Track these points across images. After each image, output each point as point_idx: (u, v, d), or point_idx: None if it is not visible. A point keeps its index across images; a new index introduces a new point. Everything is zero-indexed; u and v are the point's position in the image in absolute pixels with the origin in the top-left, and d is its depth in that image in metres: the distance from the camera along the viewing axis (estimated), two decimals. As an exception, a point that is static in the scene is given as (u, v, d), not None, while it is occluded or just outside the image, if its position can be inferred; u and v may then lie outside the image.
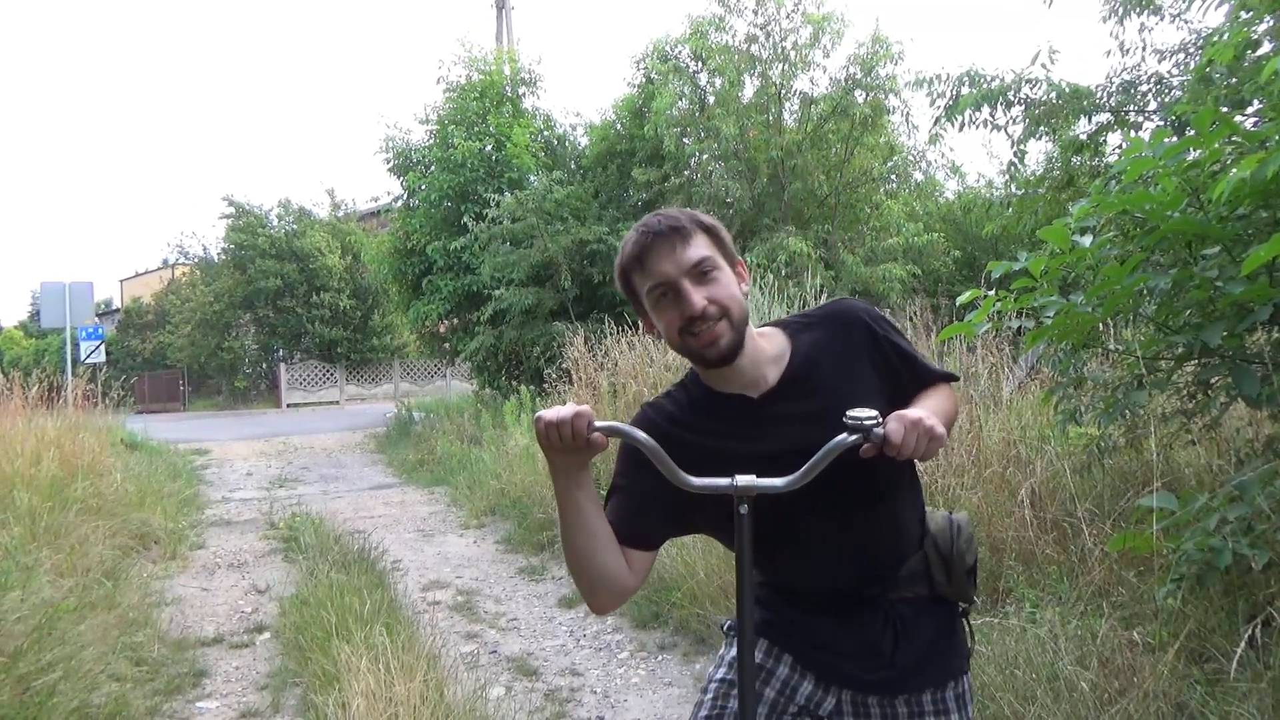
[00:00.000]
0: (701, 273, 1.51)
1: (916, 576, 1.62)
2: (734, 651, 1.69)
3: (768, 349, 1.61)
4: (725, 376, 1.59)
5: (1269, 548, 2.52)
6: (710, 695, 1.67)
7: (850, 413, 1.40)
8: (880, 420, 1.38)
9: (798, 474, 1.43)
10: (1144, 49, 5.93)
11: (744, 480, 1.43)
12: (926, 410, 1.43)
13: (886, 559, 1.61)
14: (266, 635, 4.96)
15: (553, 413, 1.40)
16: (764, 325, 1.66)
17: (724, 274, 1.53)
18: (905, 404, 1.55)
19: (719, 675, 1.69)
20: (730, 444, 1.57)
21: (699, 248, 1.52)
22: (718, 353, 1.52)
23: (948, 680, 1.63)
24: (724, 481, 1.44)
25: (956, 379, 1.73)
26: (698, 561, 4.66)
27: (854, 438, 1.39)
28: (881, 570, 1.61)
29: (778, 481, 1.44)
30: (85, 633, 4.10)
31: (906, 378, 1.63)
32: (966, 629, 1.70)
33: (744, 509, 1.44)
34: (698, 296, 1.49)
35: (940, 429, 1.38)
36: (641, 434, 1.47)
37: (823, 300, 7.65)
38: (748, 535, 1.45)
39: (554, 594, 5.70)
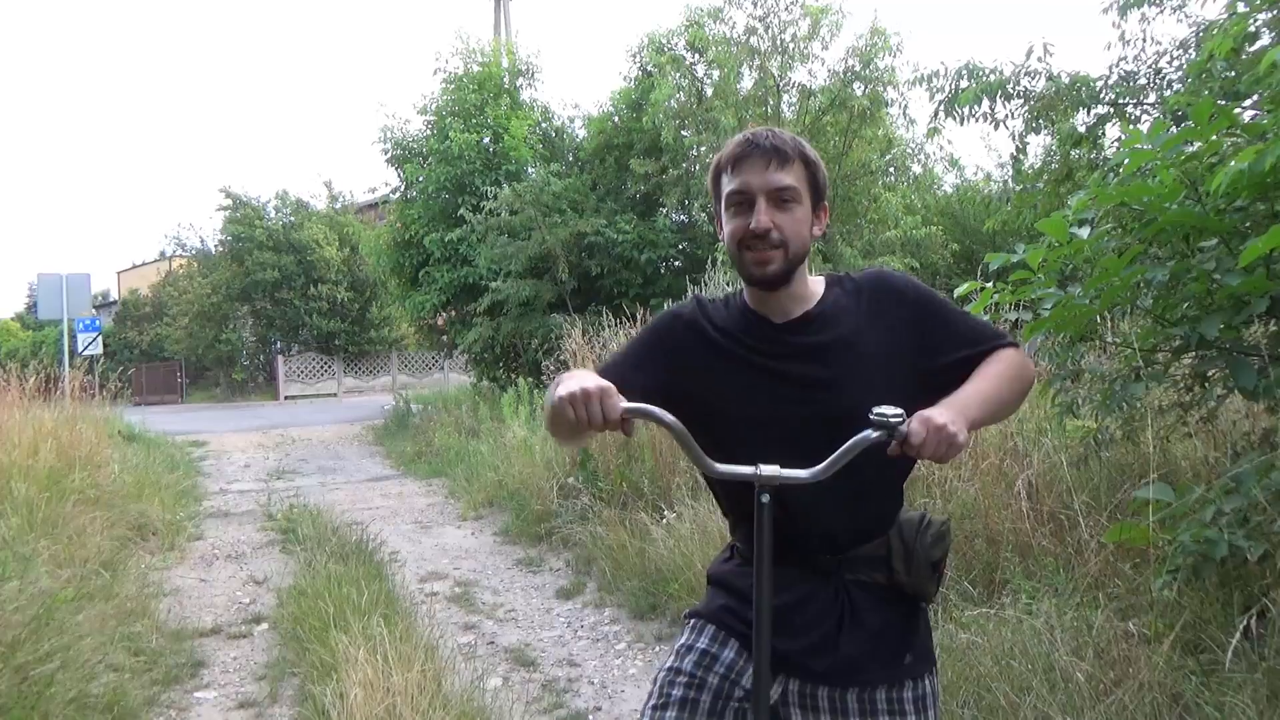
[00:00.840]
0: (782, 199, 1.56)
1: (875, 561, 1.61)
2: (684, 639, 1.71)
3: (809, 290, 1.68)
4: (763, 299, 1.66)
5: (1264, 539, 2.53)
6: (658, 685, 1.67)
7: (876, 410, 1.41)
8: (905, 418, 1.40)
9: (821, 466, 1.45)
10: (1144, 41, 5.93)
11: (768, 470, 1.45)
12: (959, 406, 1.45)
13: (859, 517, 1.60)
14: (264, 626, 4.97)
15: (575, 384, 1.40)
16: (814, 276, 1.73)
17: (801, 209, 1.59)
18: (942, 380, 1.56)
19: (669, 664, 1.69)
20: (742, 351, 1.65)
21: (789, 176, 1.57)
22: (762, 275, 1.59)
23: (904, 680, 1.60)
24: (747, 470, 1.46)
25: (1014, 343, 1.67)
26: (695, 553, 4.67)
27: (878, 434, 1.41)
28: (852, 528, 1.60)
29: (802, 473, 1.46)
30: (83, 623, 4.10)
31: (942, 342, 1.62)
32: (930, 633, 1.69)
33: (765, 498, 1.46)
34: (766, 217, 1.55)
35: (962, 437, 1.39)
36: (669, 416, 1.48)
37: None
38: (768, 524, 1.46)
39: (552, 585, 5.71)
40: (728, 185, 1.60)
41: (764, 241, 1.56)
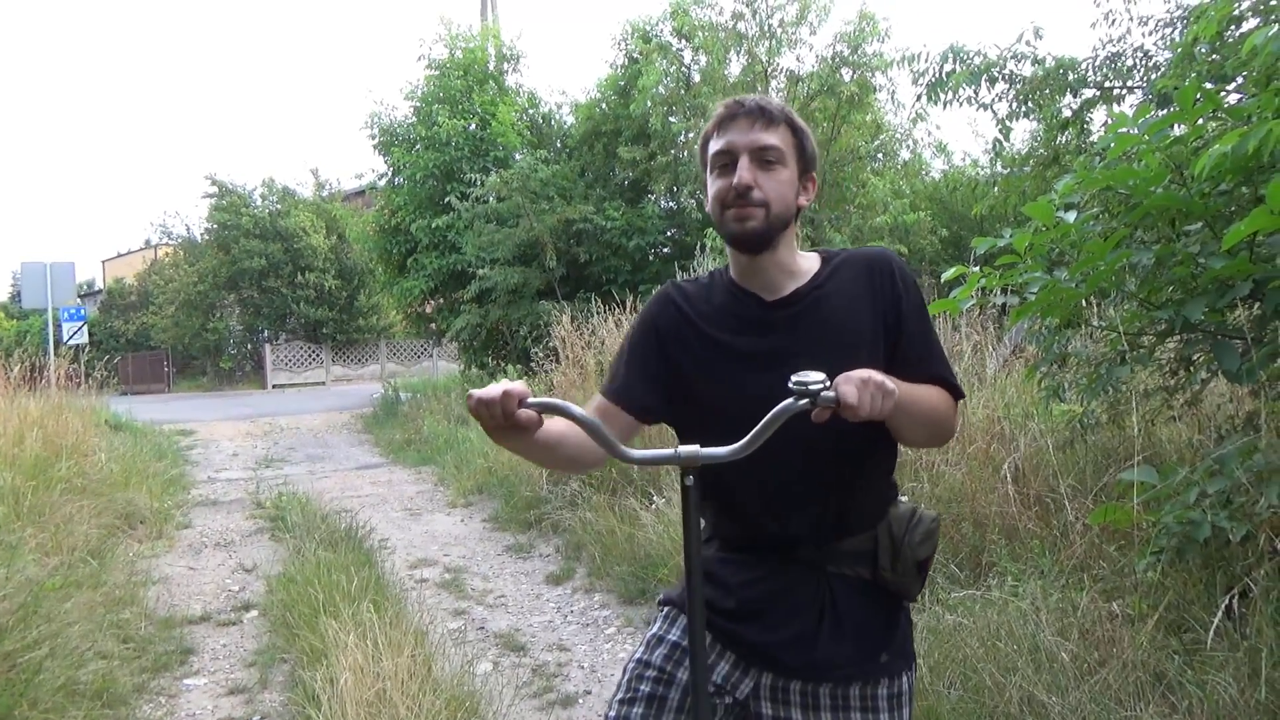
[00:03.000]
0: (766, 160, 1.53)
1: (861, 556, 1.57)
2: (655, 629, 1.68)
3: (799, 263, 1.63)
4: (749, 270, 1.61)
5: (1247, 520, 2.55)
6: (626, 677, 1.64)
7: (795, 377, 1.34)
8: (827, 384, 1.33)
9: (742, 443, 1.39)
10: (1130, 20, 5.95)
11: (687, 450, 1.39)
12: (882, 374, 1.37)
13: (840, 511, 1.56)
14: (254, 613, 4.97)
15: (484, 390, 1.39)
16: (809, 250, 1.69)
17: (785, 171, 1.55)
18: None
19: (637, 655, 1.66)
20: (731, 337, 1.60)
21: (774, 136, 1.54)
22: (742, 230, 1.54)
23: (880, 677, 1.56)
24: (668, 452, 1.41)
25: (961, 395, 1.64)
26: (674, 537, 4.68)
27: (802, 403, 1.33)
28: (833, 522, 1.56)
29: (721, 451, 1.39)
30: (71, 611, 4.09)
31: (906, 350, 1.58)
32: (911, 628, 1.65)
33: (689, 480, 1.40)
34: (748, 174, 1.52)
35: (891, 385, 1.33)
36: (579, 410, 1.43)
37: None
38: (694, 507, 1.41)
39: (541, 571, 5.73)
40: (714, 147, 1.57)
41: (745, 199, 1.52)
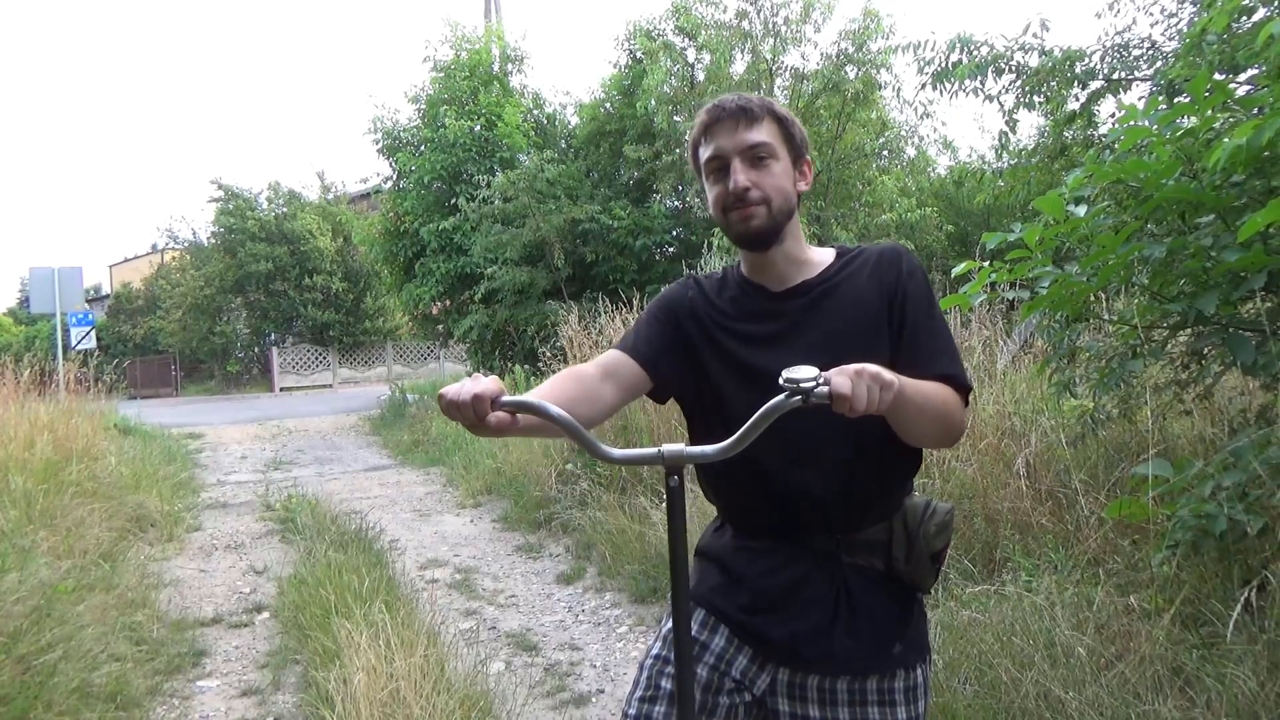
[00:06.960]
0: (756, 157, 1.54)
1: (875, 546, 1.56)
2: (670, 624, 1.62)
3: (809, 255, 1.65)
4: (759, 265, 1.64)
5: (1264, 513, 2.54)
6: (645, 674, 1.62)
7: (786, 373, 1.26)
8: (819, 379, 1.25)
9: (729, 442, 1.33)
10: (1135, 9, 5.94)
11: (671, 449, 1.34)
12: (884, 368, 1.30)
13: (857, 487, 1.53)
14: (265, 615, 4.98)
15: (454, 390, 1.33)
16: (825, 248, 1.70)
17: (778, 164, 1.56)
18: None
19: (655, 651, 1.64)
20: (739, 327, 1.63)
21: (761, 133, 1.55)
22: (747, 231, 1.56)
23: (896, 670, 1.55)
24: (651, 451, 1.35)
25: (969, 389, 1.56)
26: (694, 535, 4.63)
27: (793, 400, 1.26)
28: (848, 500, 1.53)
29: (708, 450, 1.35)
30: (84, 613, 4.11)
31: (911, 340, 1.54)
32: (925, 621, 1.64)
33: (674, 481, 1.35)
34: (743, 176, 1.53)
35: (889, 377, 1.27)
36: (556, 410, 1.36)
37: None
38: (680, 508, 1.36)
39: (552, 571, 5.73)
40: (704, 154, 1.59)
41: (744, 201, 1.54)
